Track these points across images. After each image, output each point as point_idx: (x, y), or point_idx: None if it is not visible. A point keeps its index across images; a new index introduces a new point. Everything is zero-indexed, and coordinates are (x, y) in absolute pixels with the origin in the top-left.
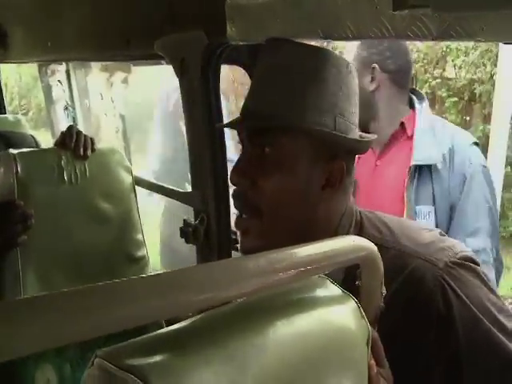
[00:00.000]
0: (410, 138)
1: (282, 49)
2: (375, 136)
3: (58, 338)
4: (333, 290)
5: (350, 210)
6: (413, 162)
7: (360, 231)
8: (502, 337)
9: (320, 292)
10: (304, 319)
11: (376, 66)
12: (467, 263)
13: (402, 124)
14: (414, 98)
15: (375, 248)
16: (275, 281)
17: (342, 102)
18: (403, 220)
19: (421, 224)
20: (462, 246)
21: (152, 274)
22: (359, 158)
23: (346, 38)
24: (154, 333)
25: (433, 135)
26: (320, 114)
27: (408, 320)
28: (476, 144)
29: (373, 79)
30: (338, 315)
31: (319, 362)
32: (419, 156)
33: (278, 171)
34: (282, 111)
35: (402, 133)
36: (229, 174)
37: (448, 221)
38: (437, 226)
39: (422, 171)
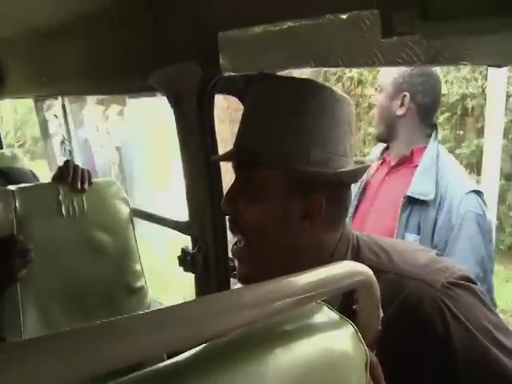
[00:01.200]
0: (415, 167)
1: (267, 84)
2: (369, 163)
3: (60, 378)
4: (330, 315)
5: (345, 236)
6: (408, 193)
7: (357, 256)
8: (501, 355)
9: (317, 318)
10: (302, 346)
11: (407, 94)
12: (464, 282)
13: (412, 152)
14: (434, 133)
15: (371, 272)
16: (273, 311)
17: (322, 132)
18: (399, 242)
19: (416, 246)
20: (458, 266)
21: (150, 310)
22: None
23: (337, 66)
24: (155, 366)
25: (433, 174)
26: (293, 147)
27: (406, 342)
28: (476, 192)
29: (402, 105)
30: (336, 340)
31: None
32: (415, 189)
33: (256, 202)
34: (258, 146)
35: (410, 160)
36: None
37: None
38: None
39: (416, 202)
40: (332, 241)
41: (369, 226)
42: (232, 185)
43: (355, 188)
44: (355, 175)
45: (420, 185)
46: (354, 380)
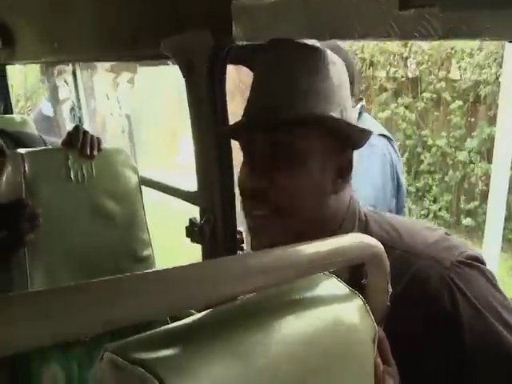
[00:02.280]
0: None
1: (283, 48)
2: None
3: (62, 332)
4: (339, 287)
5: (352, 209)
6: None
7: (365, 231)
8: (508, 334)
9: (326, 290)
10: (310, 316)
11: None
12: (473, 262)
13: None
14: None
15: (381, 246)
16: (281, 278)
17: (344, 96)
18: (407, 220)
19: (425, 224)
20: (466, 245)
21: (157, 269)
22: None
23: (353, 39)
24: (162, 328)
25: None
26: (329, 106)
27: (414, 319)
28: (384, 136)
29: None
30: (344, 313)
31: (326, 359)
32: None
33: (294, 166)
34: (294, 105)
35: None
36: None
37: None
38: None
39: None
40: (345, 207)
41: None
42: (250, 158)
43: None
44: (368, 138)
45: None
46: (361, 353)
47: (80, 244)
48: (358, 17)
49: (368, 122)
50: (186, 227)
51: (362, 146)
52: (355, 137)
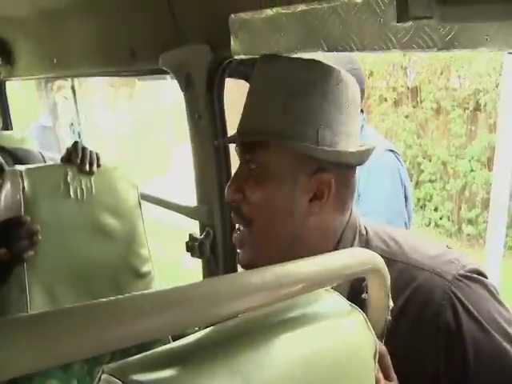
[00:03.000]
0: None
1: (271, 64)
2: (371, 146)
3: (62, 355)
4: (339, 303)
5: (352, 223)
6: None
7: (366, 244)
8: (511, 348)
9: (326, 305)
10: (310, 333)
11: None
12: (475, 276)
13: None
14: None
15: (382, 260)
16: (281, 295)
17: (329, 113)
18: (409, 233)
19: (427, 237)
20: (468, 259)
21: (158, 289)
22: None
23: (350, 51)
24: (160, 348)
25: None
26: (300, 127)
27: (416, 333)
28: (391, 151)
29: None
30: (345, 328)
31: (327, 375)
32: None
33: (263, 185)
34: (263, 126)
35: None
36: None
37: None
38: None
39: None
40: (339, 226)
41: None
42: (237, 171)
43: None
44: (362, 157)
45: None
46: (362, 368)
47: (79, 260)
48: (356, 29)
49: (371, 137)
50: (186, 242)
51: (357, 165)
52: (334, 158)
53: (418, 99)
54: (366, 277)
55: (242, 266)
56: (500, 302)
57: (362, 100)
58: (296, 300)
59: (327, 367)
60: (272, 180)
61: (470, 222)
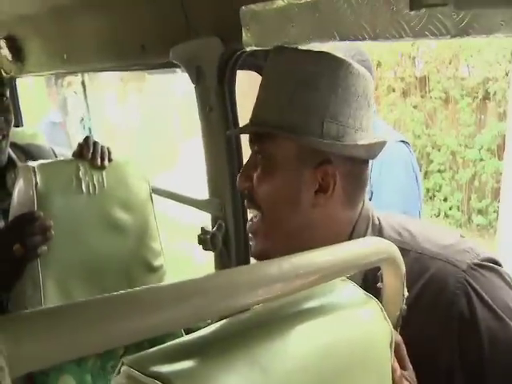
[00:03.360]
0: None
1: (282, 56)
2: (383, 139)
3: (80, 348)
4: (355, 292)
5: (365, 215)
6: None
7: (379, 235)
8: None
9: (342, 295)
10: (326, 323)
11: None
12: (490, 264)
13: None
14: None
15: (397, 249)
16: (298, 285)
17: (336, 105)
18: (423, 223)
19: (441, 227)
20: (483, 248)
21: (173, 281)
22: None
23: (363, 40)
24: (178, 340)
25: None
26: (305, 119)
27: (431, 323)
28: (403, 142)
29: None
30: (361, 318)
31: (343, 366)
32: None
33: (270, 175)
34: (270, 118)
35: None
36: None
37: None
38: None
39: None
40: (349, 218)
41: None
42: (248, 160)
43: None
44: (370, 150)
45: None
46: (378, 358)
47: (92, 255)
48: (369, 18)
49: (380, 128)
50: (198, 235)
51: (366, 158)
52: (339, 151)
53: (427, 89)
54: (381, 266)
55: (254, 257)
56: None
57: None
58: (312, 290)
59: (343, 357)
60: (278, 171)
61: (479, 211)
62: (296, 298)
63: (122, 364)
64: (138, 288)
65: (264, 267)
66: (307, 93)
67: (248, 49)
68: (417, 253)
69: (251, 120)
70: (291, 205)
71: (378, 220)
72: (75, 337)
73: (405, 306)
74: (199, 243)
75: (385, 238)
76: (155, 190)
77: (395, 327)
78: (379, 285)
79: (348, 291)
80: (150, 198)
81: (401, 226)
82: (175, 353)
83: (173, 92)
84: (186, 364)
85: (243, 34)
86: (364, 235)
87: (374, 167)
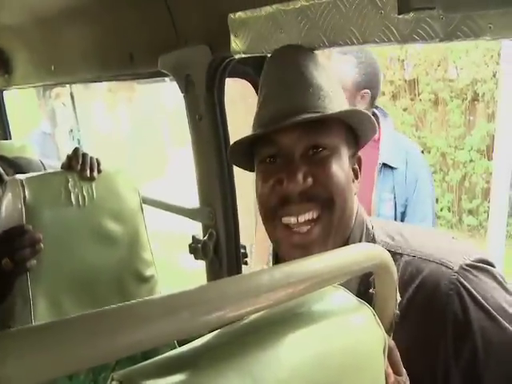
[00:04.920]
0: (376, 141)
1: (292, 53)
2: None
3: (67, 366)
4: (348, 299)
5: (360, 214)
6: (382, 161)
7: (372, 238)
8: None
9: (335, 302)
10: (319, 331)
11: (368, 91)
12: (482, 265)
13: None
14: (378, 113)
15: (388, 255)
16: (290, 293)
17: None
18: (415, 226)
19: (433, 230)
20: (475, 249)
21: (163, 294)
22: None
23: (352, 45)
24: (169, 353)
25: (393, 143)
26: (346, 105)
27: (425, 323)
28: (422, 152)
29: (363, 100)
30: (354, 324)
31: (336, 373)
32: (385, 157)
33: (335, 165)
34: (325, 104)
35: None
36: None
37: (404, 207)
38: (395, 211)
39: (386, 168)
40: (354, 212)
41: None
42: (294, 159)
43: None
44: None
45: (388, 154)
46: (372, 364)
47: (83, 266)
48: (356, 23)
49: (404, 141)
50: (189, 244)
51: (363, 146)
52: (364, 135)
53: (416, 91)
54: (373, 272)
55: (303, 248)
56: (507, 291)
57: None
58: (303, 298)
59: (336, 365)
60: (338, 158)
61: (470, 212)
62: (288, 306)
63: (112, 379)
64: (127, 302)
65: (255, 277)
66: (336, 83)
67: (237, 56)
68: (410, 256)
69: (296, 110)
70: (351, 192)
71: (372, 225)
72: (63, 354)
73: (398, 312)
74: (190, 252)
75: (377, 242)
76: (145, 200)
77: (388, 332)
78: (372, 290)
79: (340, 298)
80: (140, 208)
81: (394, 231)
82: (166, 366)
83: (162, 101)
84: (177, 377)
85: (231, 42)
86: (359, 238)
87: (409, 178)
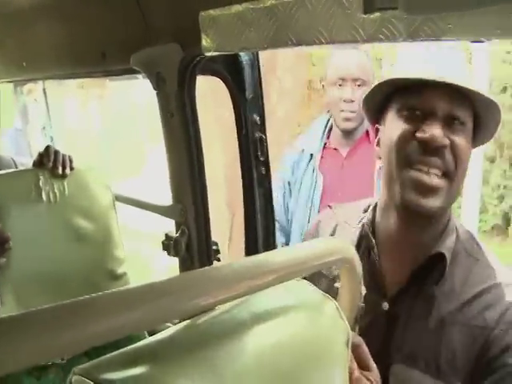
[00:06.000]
0: (371, 141)
1: None
2: None
3: (38, 355)
4: (311, 292)
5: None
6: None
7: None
8: None
9: (299, 295)
10: (281, 323)
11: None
12: None
13: (367, 132)
14: None
15: (353, 250)
16: (255, 286)
17: None
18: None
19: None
20: None
21: (128, 287)
22: (325, 157)
23: (320, 44)
24: (132, 346)
25: None
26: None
27: (487, 319)
28: None
29: None
30: (317, 317)
31: (298, 365)
32: None
33: (466, 141)
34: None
35: (367, 139)
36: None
37: None
38: None
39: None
40: None
41: None
42: (437, 117)
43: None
44: None
45: None
46: (334, 356)
47: (54, 264)
48: (324, 22)
49: None
50: (162, 241)
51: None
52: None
53: None
54: (338, 266)
55: (423, 211)
56: None
57: None
58: (268, 291)
59: (298, 356)
60: (468, 138)
61: None
62: (252, 298)
63: (74, 373)
64: (94, 294)
65: (217, 271)
66: None
67: (207, 54)
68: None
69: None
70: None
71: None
72: (33, 344)
73: (363, 305)
74: (163, 249)
75: (462, 242)
76: (118, 197)
77: (354, 325)
78: (337, 284)
79: (304, 291)
80: (112, 205)
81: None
82: (128, 359)
83: (136, 97)
84: (139, 370)
85: (202, 40)
86: (453, 228)
87: None
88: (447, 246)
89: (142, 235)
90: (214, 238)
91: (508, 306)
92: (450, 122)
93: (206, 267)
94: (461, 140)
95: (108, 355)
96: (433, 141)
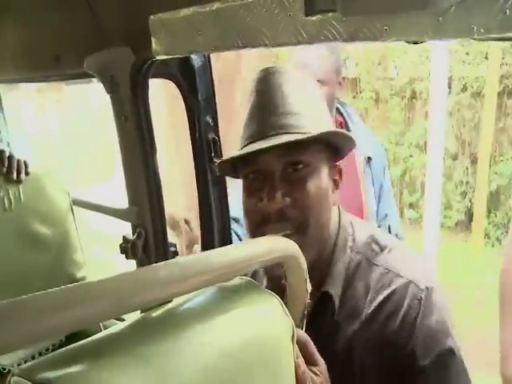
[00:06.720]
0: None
1: (274, 73)
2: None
3: None
4: (255, 289)
5: (346, 222)
6: (366, 155)
7: (353, 244)
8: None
9: (242, 292)
10: (225, 321)
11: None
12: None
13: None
14: (340, 107)
15: (297, 247)
16: (197, 283)
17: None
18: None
19: (408, 249)
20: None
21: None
22: None
23: (265, 46)
24: (73, 345)
25: (363, 134)
26: (326, 121)
27: (383, 331)
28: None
29: (341, 87)
30: (260, 314)
31: (242, 362)
32: (363, 150)
33: (312, 182)
34: (306, 123)
35: None
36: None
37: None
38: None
39: (366, 160)
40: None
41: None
42: (275, 177)
43: None
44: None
45: (364, 146)
46: (279, 353)
47: (11, 271)
48: (267, 25)
49: (367, 130)
50: (120, 244)
51: (345, 155)
52: (342, 146)
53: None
54: (283, 263)
55: None
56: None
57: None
58: (211, 288)
59: (242, 353)
60: (317, 176)
61: (411, 205)
62: (195, 296)
63: (13, 374)
64: (25, 296)
65: (153, 271)
66: (309, 100)
67: (158, 58)
68: (384, 268)
69: (281, 130)
70: (329, 207)
71: (353, 230)
72: None
73: (309, 301)
74: (121, 252)
75: (358, 250)
76: (75, 201)
77: (301, 321)
78: (283, 281)
79: (247, 288)
80: (70, 209)
81: (374, 241)
82: (68, 358)
83: (93, 101)
84: (77, 368)
85: (152, 43)
86: (345, 245)
87: (379, 172)
88: (336, 277)
89: (103, 238)
90: (173, 240)
91: (406, 309)
92: (292, 172)
93: (142, 268)
94: (306, 188)
95: (48, 355)
96: (273, 208)
